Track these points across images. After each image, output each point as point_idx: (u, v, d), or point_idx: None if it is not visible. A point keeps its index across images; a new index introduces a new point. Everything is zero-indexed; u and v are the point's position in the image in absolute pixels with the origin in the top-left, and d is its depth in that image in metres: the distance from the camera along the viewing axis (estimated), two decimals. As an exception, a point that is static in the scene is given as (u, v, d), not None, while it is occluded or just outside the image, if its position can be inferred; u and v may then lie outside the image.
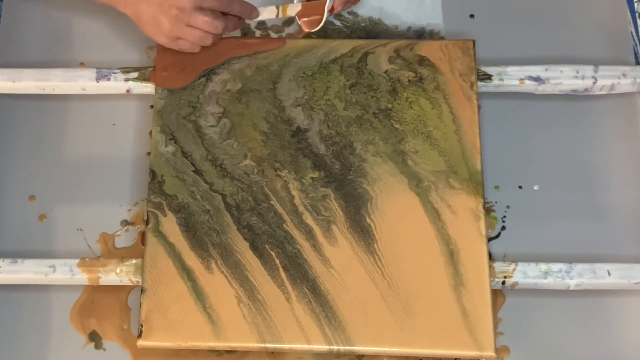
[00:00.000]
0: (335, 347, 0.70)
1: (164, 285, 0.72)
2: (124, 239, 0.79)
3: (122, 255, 0.78)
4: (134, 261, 0.74)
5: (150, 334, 0.71)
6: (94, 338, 0.75)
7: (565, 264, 0.73)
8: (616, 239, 0.78)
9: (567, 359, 0.75)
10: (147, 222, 0.74)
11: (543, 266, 0.73)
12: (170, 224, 0.74)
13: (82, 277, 0.74)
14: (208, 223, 0.74)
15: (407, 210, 0.74)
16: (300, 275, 0.72)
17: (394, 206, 0.74)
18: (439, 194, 0.74)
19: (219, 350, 0.74)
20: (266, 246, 0.73)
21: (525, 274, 0.73)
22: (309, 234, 0.73)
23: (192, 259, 0.73)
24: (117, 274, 0.74)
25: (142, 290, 0.72)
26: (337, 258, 0.73)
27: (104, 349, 0.75)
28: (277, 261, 0.73)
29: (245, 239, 0.73)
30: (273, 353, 0.74)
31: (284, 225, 0.74)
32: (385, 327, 0.71)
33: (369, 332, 0.71)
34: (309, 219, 0.74)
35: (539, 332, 0.75)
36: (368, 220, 0.74)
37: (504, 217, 0.79)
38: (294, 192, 0.75)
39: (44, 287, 0.76)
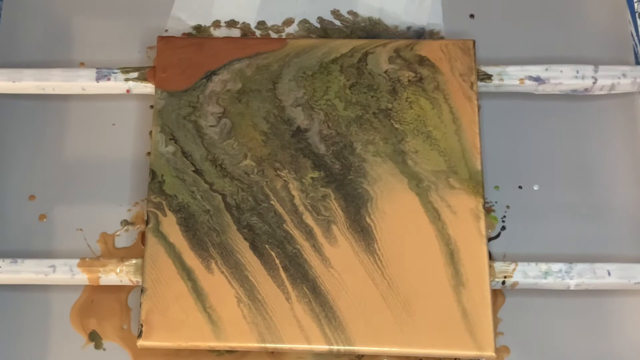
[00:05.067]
0: (335, 347, 0.70)
1: (164, 285, 0.72)
2: (124, 239, 0.79)
3: (122, 255, 0.78)
4: (134, 261, 0.74)
5: (150, 334, 0.71)
6: (94, 338, 0.75)
7: (565, 264, 0.73)
8: (616, 239, 0.78)
9: (567, 359, 0.75)
10: (147, 222, 0.74)
11: (543, 266, 0.73)
12: (170, 224, 0.74)
13: (82, 277, 0.74)
14: (208, 223, 0.74)
15: (407, 210, 0.74)
16: (300, 275, 0.72)
17: (394, 206, 0.74)
18: (439, 193, 0.74)
19: (219, 350, 0.74)
20: (266, 246, 0.73)
21: (525, 274, 0.73)
22: (309, 234, 0.73)
23: (192, 259, 0.73)
24: (117, 274, 0.74)
25: (142, 290, 0.72)
26: (337, 258, 0.73)
27: (104, 349, 0.75)
28: (277, 261, 0.73)
29: (245, 239, 0.73)
30: (273, 353, 0.74)
31: (284, 225, 0.74)
32: (385, 327, 0.71)
33: (369, 332, 0.71)
34: (309, 219, 0.74)
35: (539, 332, 0.75)
36: (368, 220, 0.74)
37: (504, 217, 0.79)
38: (294, 192, 0.75)
39: (44, 287, 0.76)
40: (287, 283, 0.72)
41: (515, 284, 0.73)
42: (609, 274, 0.73)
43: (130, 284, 0.75)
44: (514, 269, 0.73)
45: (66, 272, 0.74)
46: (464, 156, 0.75)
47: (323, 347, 0.71)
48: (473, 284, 0.72)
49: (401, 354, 0.71)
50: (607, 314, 0.76)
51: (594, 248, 0.78)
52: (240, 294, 0.72)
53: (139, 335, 0.71)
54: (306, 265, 0.72)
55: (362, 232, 0.73)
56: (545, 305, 0.76)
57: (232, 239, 0.73)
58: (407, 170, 0.75)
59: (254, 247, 0.73)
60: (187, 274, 0.72)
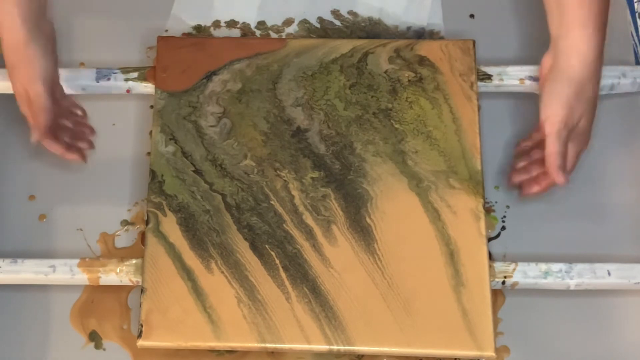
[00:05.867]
0: (335, 347, 0.70)
1: (164, 285, 0.72)
2: (124, 239, 0.79)
3: (122, 255, 0.78)
4: (134, 261, 0.74)
5: (150, 334, 0.71)
6: (94, 338, 0.75)
7: (565, 264, 0.73)
8: (616, 239, 0.78)
9: (567, 359, 0.75)
10: (147, 222, 0.74)
11: (543, 266, 0.73)
12: (170, 224, 0.74)
13: (82, 277, 0.74)
14: (208, 223, 0.74)
15: (407, 211, 0.74)
16: (300, 275, 0.72)
17: (394, 206, 0.74)
18: (439, 193, 0.74)
19: (219, 350, 0.74)
20: (266, 246, 0.73)
21: (525, 274, 0.73)
22: (309, 234, 0.73)
23: (192, 259, 0.73)
24: (117, 274, 0.74)
25: (142, 290, 0.72)
26: (337, 258, 0.73)
27: (104, 349, 0.75)
28: (277, 261, 0.73)
29: (245, 239, 0.73)
30: (273, 353, 0.74)
31: (284, 225, 0.74)
32: (385, 327, 0.71)
33: (369, 332, 0.71)
34: (309, 219, 0.74)
35: (539, 332, 0.75)
36: (368, 220, 0.74)
37: (504, 217, 0.79)
38: (294, 192, 0.75)
39: (44, 287, 0.76)
40: (287, 283, 0.72)
41: (515, 284, 0.73)
42: (609, 274, 0.73)
43: (130, 284, 0.74)
44: (514, 269, 0.73)
45: (66, 272, 0.74)
46: (464, 156, 0.75)
47: (323, 347, 0.70)
48: (473, 284, 0.71)
49: (401, 354, 0.71)
50: (607, 314, 0.76)
51: (594, 248, 0.78)
52: (240, 294, 0.72)
53: (139, 335, 0.71)
54: (306, 265, 0.72)
55: (362, 232, 0.73)
56: (545, 305, 0.76)
57: (232, 239, 0.73)
58: (407, 170, 0.75)
59: (254, 247, 0.73)
60: (187, 274, 0.72)
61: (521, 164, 0.75)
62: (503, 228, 0.79)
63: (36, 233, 0.79)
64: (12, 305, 0.77)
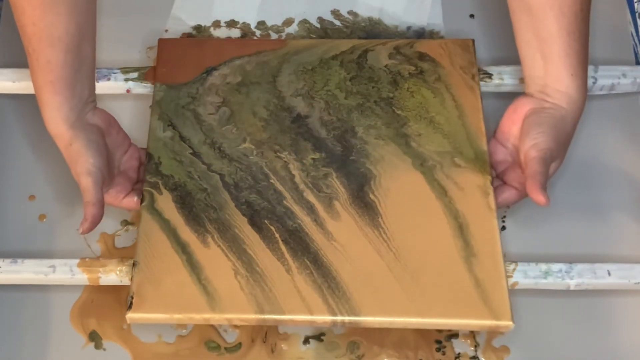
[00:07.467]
0: (339, 318, 0.68)
1: (158, 259, 0.70)
2: (124, 239, 0.79)
3: (122, 255, 0.77)
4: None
5: (141, 305, 0.68)
6: (94, 338, 0.75)
7: (565, 264, 0.73)
8: (616, 239, 0.78)
9: (567, 359, 0.75)
10: (141, 201, 0.73)
11: (543, 266, 0.73)
12: (165, 202, 0.73)
13: (82, 277, 0.74)
14: (205, 200, 0.73)
15: (412, 188, 0.73)
16: (301, 248, 0.71)
17: (399, 184, 0.73)
18: (444, 172, 0.73)
19: (219, 350, 0.74)
20: (265, 221, 0.72)
21: (525, 274, 0.73)
22: (310, 210, 0.72)
23: (187, 234, 0.71)
24: (117, 274, 0.74)
25: (134, 264, 0.71)
26: (340, 232, 0.71)
27: (104, 349, 0.75)
28: (277, 235, 0.71)
29: (244, 214, 0.72)
30: (274, 352, 0.74)
31: (284, 201, 0.72)
32: (393, 296, 0.68)
33: (375, 301, 0.68)
34: (310, 196, 0.73)
35: (539, 332, 0.75)
36: (372, 196, 0.73)
37: (504, 217, 0.79)
38: (295, 172, 0.74)
39: (44, 287, 0.76)
40: (287, 255, 0.70)
41: (515, 284, 0.73)
42: (609, 274, 0.73)
43: (131, 284, 0.74)
44: (514, 269, 0.73)
45: (66, 272, 0.73)
46: (469, 138, 0.75)
47: (326, 317, 0.68)
48: (485, 255, 0.70)
49: (411, 325, 0.69)
50: (607, 314, 0.76)
51: (594, 248, 0.78)
52: (237, 266, 0.70)
53: (129, 307, 0.69)
54: (307, 238, 0.71)
55: (366, 207, 0.72)
56: (545, 305, 0.76)
57: (230, 215, 0.72)
58: (410, 151, 0.74)
59: (253, 222, 0.72)
60: (182, 247, 0.71)
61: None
62: (503, 228, 0.79)
63: (36, 233, 0.79)
64: (12, 305, 0.76)
